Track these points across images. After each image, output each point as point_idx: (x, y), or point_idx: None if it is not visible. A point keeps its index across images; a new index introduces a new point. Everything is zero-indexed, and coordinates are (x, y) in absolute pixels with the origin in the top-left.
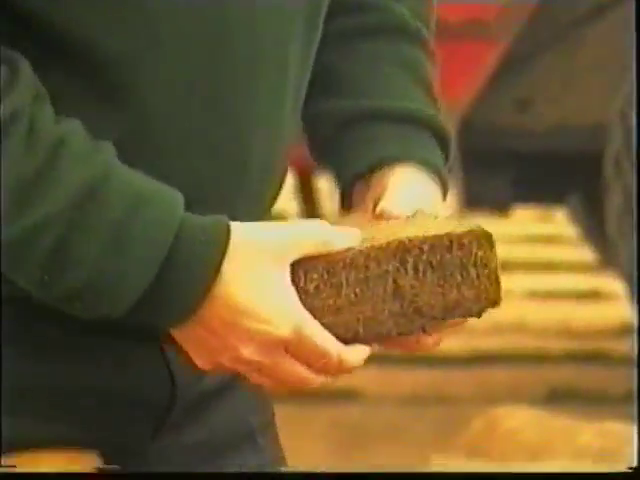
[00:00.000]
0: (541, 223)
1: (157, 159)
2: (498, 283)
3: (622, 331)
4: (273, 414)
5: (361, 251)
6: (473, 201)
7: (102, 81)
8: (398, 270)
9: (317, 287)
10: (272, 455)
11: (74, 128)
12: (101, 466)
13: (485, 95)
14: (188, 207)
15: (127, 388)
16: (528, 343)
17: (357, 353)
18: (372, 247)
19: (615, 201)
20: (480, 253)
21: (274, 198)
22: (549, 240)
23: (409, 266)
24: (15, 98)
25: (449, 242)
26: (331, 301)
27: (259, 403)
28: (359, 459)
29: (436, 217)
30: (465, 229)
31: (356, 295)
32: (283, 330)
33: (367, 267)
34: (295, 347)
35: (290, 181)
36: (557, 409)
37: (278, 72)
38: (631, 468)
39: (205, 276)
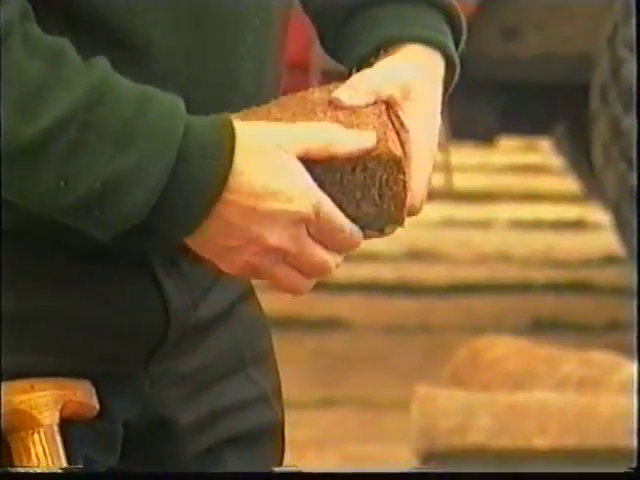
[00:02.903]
0: (526, 153)
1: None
2: (403, 205)
3: (606, 261)
4: (271, 346)
5: None
6: (459, 131)
7: (109, 31)
8: None
9: None
10: (264, 387)
11: (66, 42)
12: (93, 396)
13: (472, 24)
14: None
15: (122, 317)
16: (512, 273)
17: (358, 230)
18: None
19: (601, 131)
20: (385, 177)
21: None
22: (534, 170)
23: (314, 176)
24: (6, 11)
25: (352, 168)
26: None
27: (252, 335)
28: (343, 388)
29: (367, 105)
30: (373, 152)
31: None
32: (304, 206)
33: None
34: (315, 225)
35: None
36: (541, 338)
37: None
38: (632, 468)
39: (219, 165)
